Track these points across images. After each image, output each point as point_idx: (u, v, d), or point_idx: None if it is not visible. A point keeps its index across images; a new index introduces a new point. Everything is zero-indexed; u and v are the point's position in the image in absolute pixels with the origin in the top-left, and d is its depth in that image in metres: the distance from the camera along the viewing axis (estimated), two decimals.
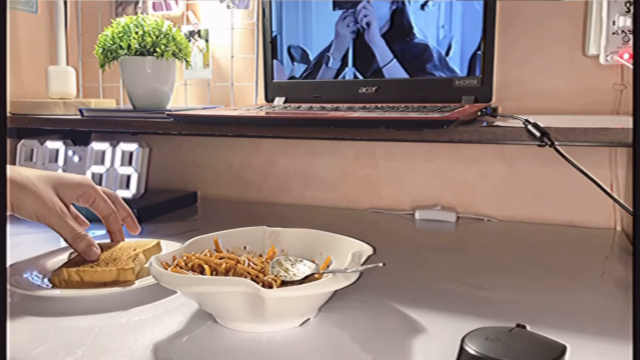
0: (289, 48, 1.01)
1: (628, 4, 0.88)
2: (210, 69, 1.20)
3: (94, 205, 0.76)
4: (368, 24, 0.94)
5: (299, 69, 1.01)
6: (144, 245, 0.75)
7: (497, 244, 0.92)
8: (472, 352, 0.45)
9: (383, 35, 0.93)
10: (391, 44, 0.93)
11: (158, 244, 0.77)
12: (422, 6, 0.90)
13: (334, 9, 0.96)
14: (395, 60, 0.92)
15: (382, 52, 0.94)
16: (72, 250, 0.76)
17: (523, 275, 0.75)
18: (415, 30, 0.91)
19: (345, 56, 0.97)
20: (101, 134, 1.17)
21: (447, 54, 0.90)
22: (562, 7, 0.96)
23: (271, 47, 1.02)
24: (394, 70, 0.93)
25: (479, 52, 0.87)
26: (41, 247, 0.79)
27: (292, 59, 1.01)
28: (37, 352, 0.54)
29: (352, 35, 0.95)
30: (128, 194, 1.07)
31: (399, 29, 0.92)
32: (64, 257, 0.76)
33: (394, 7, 0.92)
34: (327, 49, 0.98)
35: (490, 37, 0.87)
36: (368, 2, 0.93)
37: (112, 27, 1.01)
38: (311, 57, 0.99)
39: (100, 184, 1.08)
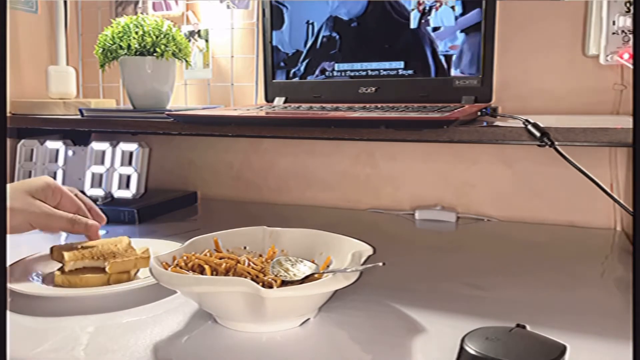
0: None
1: (628, 4, 0.88)
2: (210, 69, 1.20)
3: (61, 203, 0.75)
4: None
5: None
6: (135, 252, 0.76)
7: (497, 244, 0.92)
8: (472, 352, 0.46)
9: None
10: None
11: (147, 250, 0.78)
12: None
13: None
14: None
15: None
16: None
17: (523, 275, 0.75)
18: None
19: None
20: (101, 134, 1.17)
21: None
22: (562, 7, 0.96)
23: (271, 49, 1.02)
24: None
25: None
26: (41, 247, 0.79)
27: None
28: (37, 352, 0.54)
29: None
30: (128, 194, 1.07)
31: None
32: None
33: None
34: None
35: (490, 36, 0.87)
36: None
37: (112, 27, 1.01)
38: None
39: (100, 184, 1.08)
